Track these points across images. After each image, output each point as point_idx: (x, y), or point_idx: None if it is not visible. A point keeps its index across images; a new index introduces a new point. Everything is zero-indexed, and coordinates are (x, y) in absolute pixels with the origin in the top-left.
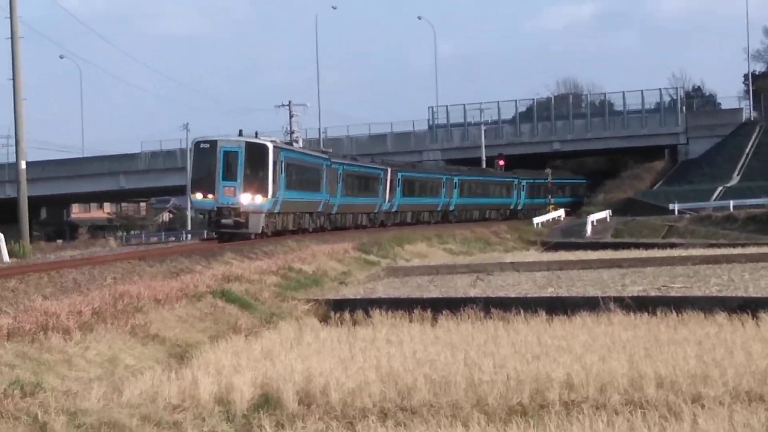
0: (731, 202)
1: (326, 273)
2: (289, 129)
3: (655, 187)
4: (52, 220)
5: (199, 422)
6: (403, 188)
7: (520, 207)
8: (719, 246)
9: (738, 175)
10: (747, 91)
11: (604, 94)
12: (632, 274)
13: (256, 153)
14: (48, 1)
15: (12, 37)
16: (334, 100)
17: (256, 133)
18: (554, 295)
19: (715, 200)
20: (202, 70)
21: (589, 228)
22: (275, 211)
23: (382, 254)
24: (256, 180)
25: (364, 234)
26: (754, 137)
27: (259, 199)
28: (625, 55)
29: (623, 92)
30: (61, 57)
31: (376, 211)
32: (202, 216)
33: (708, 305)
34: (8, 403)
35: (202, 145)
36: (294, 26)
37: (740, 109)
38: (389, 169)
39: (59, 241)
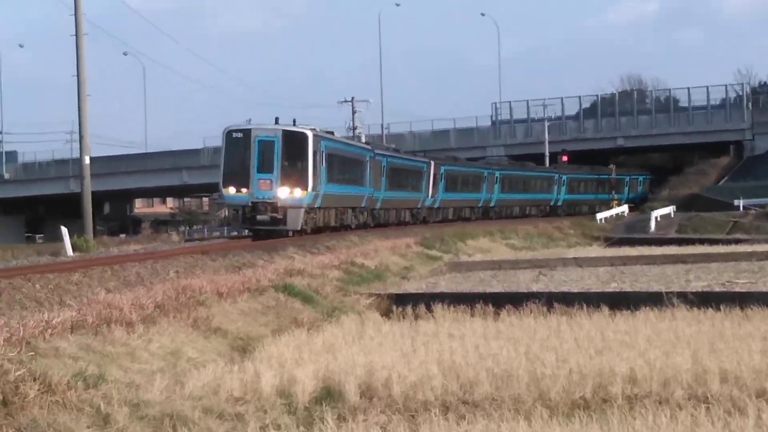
0: None
1: (388, 268)
2: (351, 125)
3: (720, 183)
4: (115, 215)
5: (260, 414)
6: (446, 183)
7: (560, 203)
8: None
9: None
10: None
11: (669, 90)
12: (696, 269)
13: (294, 142)
14: None
15: (76, 34)
16: (397, 97)
17: (294, 121)
18: (617, 291)
19: None
20: (265, 67)
21: (653, 224)
22: (316, 206)
23: (445, 249)
24: (294, 172)
25: (426, 229)
26: None
27: (298, 192)
28: (690, 52)
29: (688, 88)
30: (125, 54)
31: (419, 206)
32: (235, 212)
33: None
34: (72, 395)
35: (234, 135)
36: (357, 23)
37: None
38: (432, 163)
39: (122, 236)
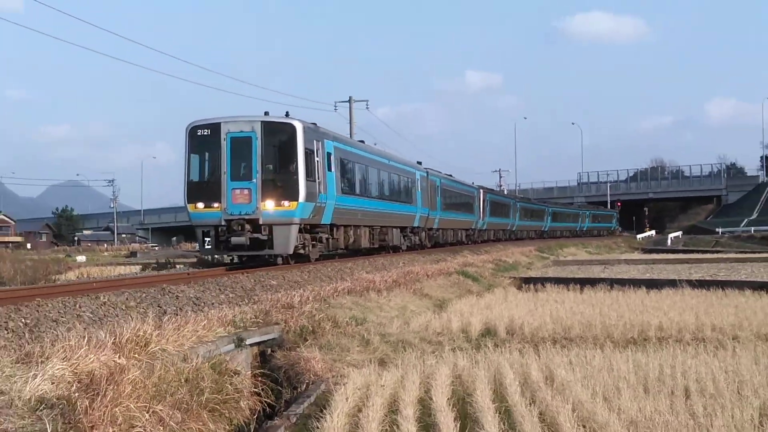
0: (752, 228)
1: (519, 263)
2: (498, 183)
3: (707, 219)
4: None
5: (451, 341)
6: (491, 209)
7: (545, 229)
8: (745, 253)
9: (757, 213)
10: (762, 166)
11: (679, 166)
12: (695, 267)
13: (278, 137)
14: (364, 111)
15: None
16: (524, 167)
17: (287, 114)
18: (650, 278)
19: (742, 227)
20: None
21: (669, 241)
22: (322, 222)
23: (550, 253)
24: (282, 177)
25: (539, 241)
26: (766, 192)
27: (287, 204)
28: (690, 144)
29: (690, 166)
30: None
31: (473, 227)
32: (203, 233)
33: (740, 285)
34: (349, 329)
35: (200, 131)
36: (498, 127)
37: (758, 176)
38: (481, 190)
39: None
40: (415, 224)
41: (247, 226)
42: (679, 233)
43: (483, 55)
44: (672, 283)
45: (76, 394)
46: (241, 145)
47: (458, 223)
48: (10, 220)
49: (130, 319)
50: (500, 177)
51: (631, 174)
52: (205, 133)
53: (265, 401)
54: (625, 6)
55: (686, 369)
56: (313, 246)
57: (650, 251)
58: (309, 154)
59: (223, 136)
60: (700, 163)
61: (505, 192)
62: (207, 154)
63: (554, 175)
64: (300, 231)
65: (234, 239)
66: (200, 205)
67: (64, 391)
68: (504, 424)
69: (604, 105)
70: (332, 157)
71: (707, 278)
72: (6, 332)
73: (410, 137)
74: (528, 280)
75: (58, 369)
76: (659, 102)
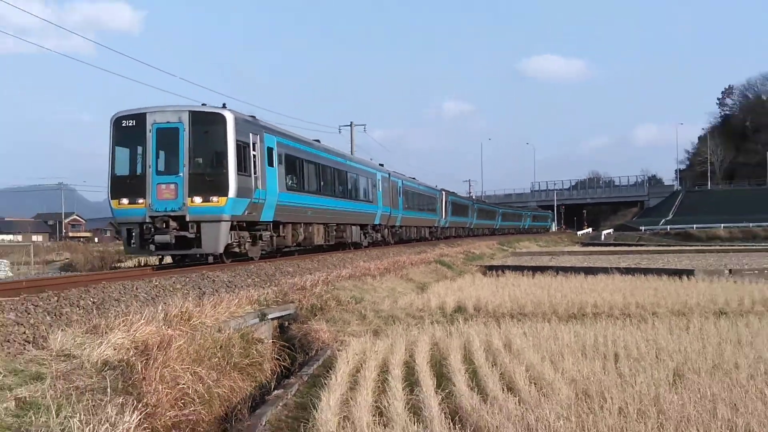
0: (668, 227)
1: (485, 254)
2: (468, 191)
3: (633, 219)
4: None
5: (430, 316)
6: (453, 209)
7: (497, 227)
8: (662, 246)
9: (672, 214)
10: (677, 177)
11: (611, 177)
12: (623, 257)
13: (208, 127)
14: (362, 133)
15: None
16: (492, 177)
17: (224, 105)
18: (588, 266)
19: (660, 226)
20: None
21: (603, 237)
22: (270, 220)
23: (509, 246)
24: (212, 171)
25: (497, 237)
26: (679, 197)
27: (215, 200)
28: (621, 160)
29: (619, 177)
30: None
31: (436, 225)
32: (128, 232)
33: (658, 272)
34: (349, 306)
35: (125, 122)
36: (471, 145)
37: (673, 185)
38: (443, 192)
39: None
40: (377, 222)
41: (173, 224)
42: (610, 230)
43: (458, 88)
44: (605, 270)
45: (134, 359)
46: (167, 136)
47: (421, 221)
48: (81, 220)
49: (177, 298)
50: (469, 185)
51: (573, 183)
52: (130, 124)
53: (283, 364)
54: (572, 50)
55: (616, 338)
56: (253, 244)
57: (588, 245)
58: (243, 147)
59: (148, 127)
60: (628, 174)
61: (474, 197)
62: (132, 146)
63: (514, 184)
64: (235, 228)
65: (158, 237)
66: (125, 201)
67: (124, 356)
68: (472, 382)
69: (556, 128)
70: (275, 153)
71: (632, 266)
72: (78, 309)
73: (399, 152)
74: (491, 268)
75: (119, 338)
76: (598, 126)
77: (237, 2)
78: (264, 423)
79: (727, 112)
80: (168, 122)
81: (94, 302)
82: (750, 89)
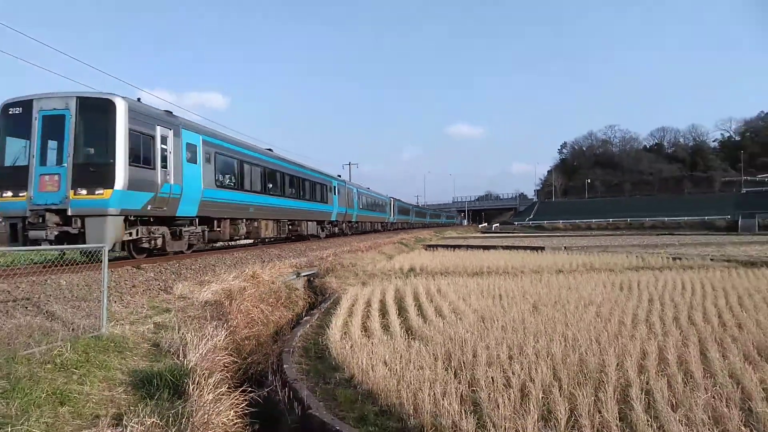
0: (530, 222)
1: (426, 238)
2: (416, 202)
3: (510, 218)
4: None
5: (395, 274)
6: (398, 211)
7: (393, 221)
8: (526, 234)
9: (532, 215)
10: (535, 194)
11: (499, 194)
12: (504, 239)
13: (96, 114)
14: (356, 168)
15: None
16: (435, 192)
17: (138, 100)
18: (484, 245)
19: (525, 221)
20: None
21: (493, 228)
22: (194, 215)
23: (441, 234)
24: (99, 161)
25: (435, 228)
26: (536, 205)
27: (100, 191)
28: (504, 183)
29: (503, 193)
30: None
31: (387, 221)
32: (11, 227)
33: (525, 248)
34: (349, 268)
35: (11, 110)
36: (448, 154)
37: (533, 198)
38: (392, 199)
39: None
40: (333, 218)
41: (55, 218)
42: (497, 224)
43: (415, 139)
44: (494, 248)
45: (223, 299)
46: (53, 124)
47: (375, 218)
48: None
49: (249, 264)
50: (417, 199)
51: (476, 197)
52: (17, 112)
53: (310, 302)
54: (476, 120)
55: (500, 285)
56: (175, 238)
57: (485, 233)
58: (145, 138)
59: (34, 114)
60: (508, 192)
61: (419, 204)
62: (20, 135)
63: (442, 197)
64: (136, 224)
65: (32, 233)
66: (8, 193)
67: (218, 298)
68: (418, 311)
69: (468, 167)
70: (199, 150)
71: (509, 245)
72: (192, 271)
73: (380, 180)
74: (430, 246)
75: (214, 288)
76: (491, 164)
77: (305, 85)
78: (298, 335)
79: (564, 157)
80: (54, 109)
81: (200, 267)
82: (576, 143)
